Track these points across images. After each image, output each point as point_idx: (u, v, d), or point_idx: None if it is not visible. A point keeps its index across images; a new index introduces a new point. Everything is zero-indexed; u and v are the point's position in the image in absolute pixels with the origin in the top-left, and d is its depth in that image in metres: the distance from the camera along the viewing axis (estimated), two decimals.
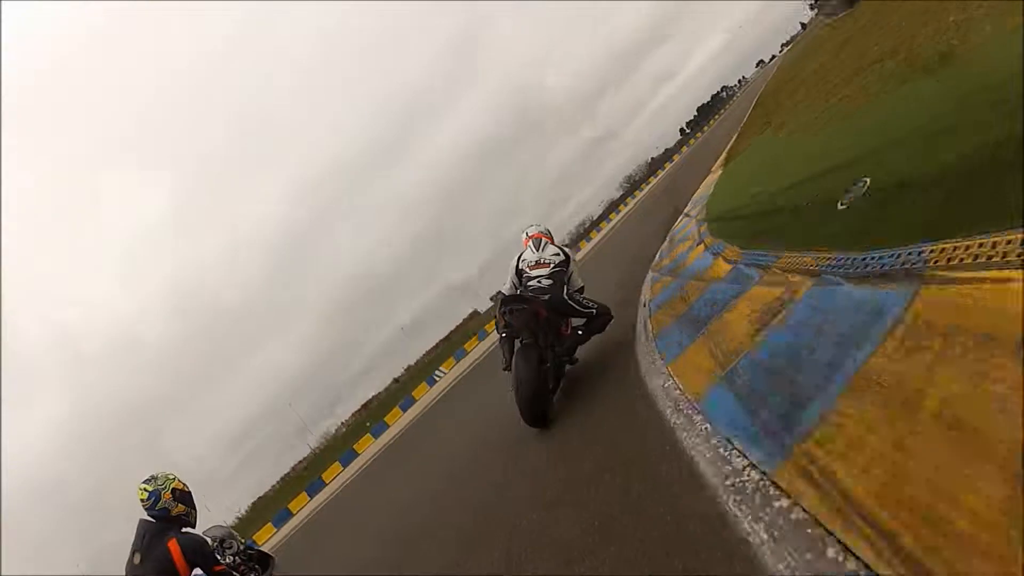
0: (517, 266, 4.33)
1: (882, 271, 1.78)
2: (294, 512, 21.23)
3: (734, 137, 14.23)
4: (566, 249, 4.41)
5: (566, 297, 4.10)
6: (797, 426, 1.46)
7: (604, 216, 50.42)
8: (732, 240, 4.07)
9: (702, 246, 4.97)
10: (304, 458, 48.50)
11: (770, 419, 1.61)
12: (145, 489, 2.78)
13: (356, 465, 20.15)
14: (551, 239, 4.52)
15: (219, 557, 2.96)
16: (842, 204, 2.65)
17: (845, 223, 2.44)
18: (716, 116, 62.63)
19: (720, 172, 9.46)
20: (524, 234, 4.60)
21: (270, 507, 29.91)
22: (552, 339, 3.93)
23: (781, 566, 1.16)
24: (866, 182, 2.62)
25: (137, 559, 2.67)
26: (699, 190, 10.04)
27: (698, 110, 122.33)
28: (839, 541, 1.06)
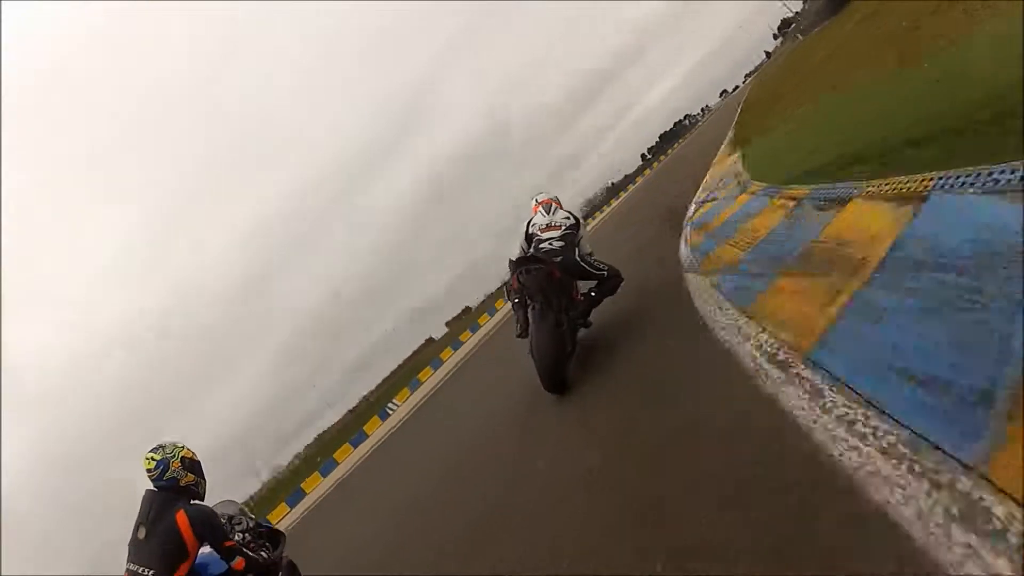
0: (527, 231, 4.29)
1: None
2: None
3: (730, 131, 14.12)
4: (575, 213, 4.40)
5: (578, 259, 4.06)
6: None
7: None
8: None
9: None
10: (253, 495, 46.62)
11: None
12: (152, 458, 2.57)
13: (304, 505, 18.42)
14: (560, 204, 4.52)
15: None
16: None
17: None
18: (679, 141, 64.84)
19: (738, 153, 8.44)
20: (534, 200, 4.55)
21: None
22: (566, 302, 3.84)
23: None
24: None
25: (142, 534, 2.43)
26: (708, 179, 9.09)
27: (660, 137, 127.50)
28: None
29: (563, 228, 4.15)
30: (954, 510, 0.92)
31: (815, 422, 1.42)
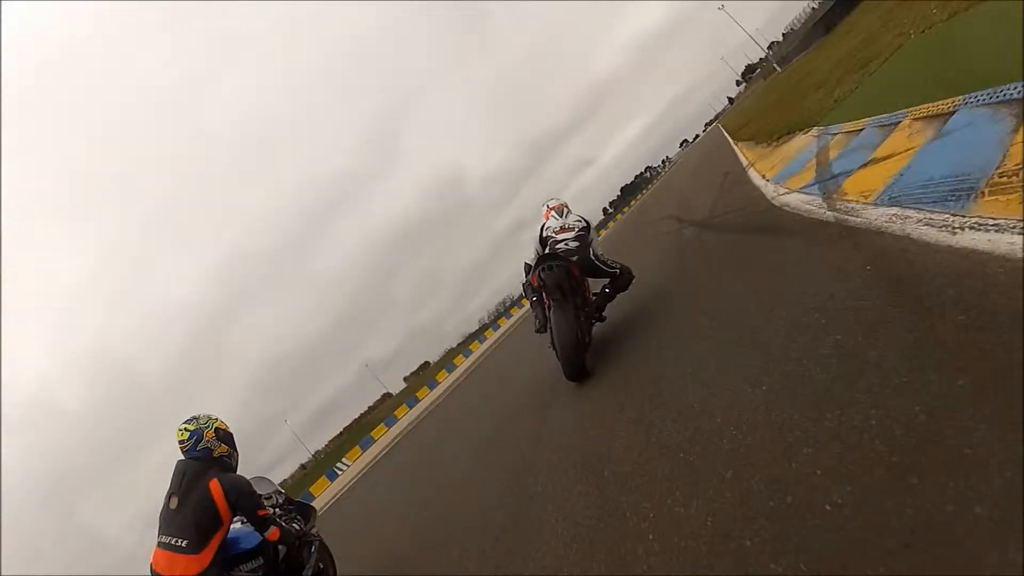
0: (541, 235, 4.51)
1: None
2: None
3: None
4: (586, 217, 4.69)
5: (592, 257, 4.32)
6: None
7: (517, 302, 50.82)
8: None
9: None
10: None
11: None
12: (186, 429, 2.57)
13: None
14: (570, 209, 4.78)
15: None
16: None
17: None
18: (642, 192, 66.92)
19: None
20: (544, 206, 4.83)
21: None
22: (580, 299, 4.06)
23: None
24: None
25: (174, 503, 2.36)
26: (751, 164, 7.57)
27: (621, 190, 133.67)
28: None
29: (576, 229, 4.42)
30: None
31: None
